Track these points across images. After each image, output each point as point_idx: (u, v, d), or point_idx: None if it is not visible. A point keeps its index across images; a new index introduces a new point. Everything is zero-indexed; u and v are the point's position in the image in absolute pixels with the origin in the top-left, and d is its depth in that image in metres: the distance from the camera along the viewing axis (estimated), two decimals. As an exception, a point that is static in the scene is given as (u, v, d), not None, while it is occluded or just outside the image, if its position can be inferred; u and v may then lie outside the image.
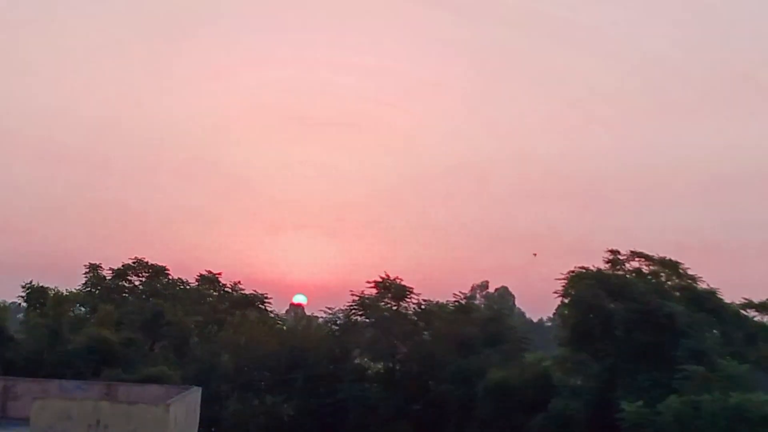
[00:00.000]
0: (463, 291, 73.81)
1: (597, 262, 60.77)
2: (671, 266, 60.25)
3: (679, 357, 50.72)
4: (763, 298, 58.51)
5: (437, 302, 68.23)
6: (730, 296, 60.28)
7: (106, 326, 60.03)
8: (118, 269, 70.22)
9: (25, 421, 33.58)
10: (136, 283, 71.05)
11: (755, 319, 58.48)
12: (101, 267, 70.43)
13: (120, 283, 70.61)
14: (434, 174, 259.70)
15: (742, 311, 58.77)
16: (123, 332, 60.70)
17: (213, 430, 57.67)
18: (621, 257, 60.62)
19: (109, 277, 70.34)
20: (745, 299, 59.12)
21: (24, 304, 67.76)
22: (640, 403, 44.47)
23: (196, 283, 73.01)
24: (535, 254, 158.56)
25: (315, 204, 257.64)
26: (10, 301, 77.48)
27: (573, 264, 61.05)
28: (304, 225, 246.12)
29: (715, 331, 56.25)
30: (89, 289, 69.85)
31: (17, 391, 42.97)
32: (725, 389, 42.15)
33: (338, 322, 68.50)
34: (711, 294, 59.21)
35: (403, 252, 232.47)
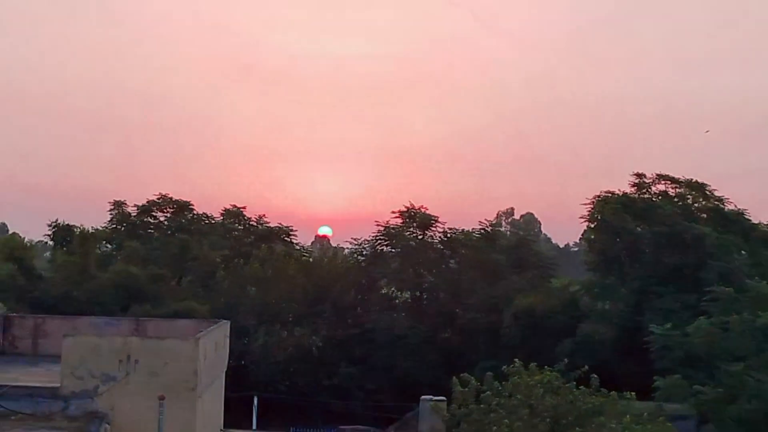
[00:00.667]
0: (488, 218, 73.58)
1: (623, 186, 60.49)
2: (698, 188, 59.88)
3: (707, 279, 50.51)
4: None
5: (462, 230, 68.07)
6: (758, 217, 59.98)
7: (133, 262, 60.18)
8: (143, 205, 70.21)
9: (55, 358, 33.63)
10: (161, 218, 71.09)
11: (783, 239, 58.12)
12: (126, 204, 70.51)
13: (145, 220, 70.64)
14: (458, 102, 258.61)
15: (770, 231, 58.43)
16: (150, 268, 60.83)
17: (242, 362, 57.94)
18: (647, 180, 60.25)
19: (134, 214, 70.38)
20: (773, 219, 58.77)
21: (50, 243, 68.04)
22: (669, 325, 44.28)
23: (221, 218, 72.99)
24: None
25: (338, 136, 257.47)
26: (36, 240, 77.85)
27: (599, 189, 60.88)
28: (328, 157, 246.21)
29: (743, 251, 55.95)
30: (115, 226, 69.94)
31: (47, 328, 43.00)
32: (754, 309, 41.86)
33: (364, 252, 68.54)
34: (739, 215, 58.86)
35: (428, 181, 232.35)
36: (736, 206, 59.54)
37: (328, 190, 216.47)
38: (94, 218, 74.68)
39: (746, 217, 58.93)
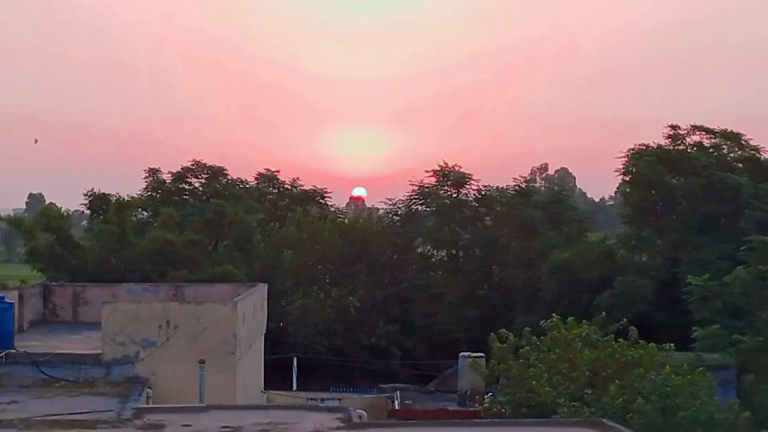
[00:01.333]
0: (522, 175, 73.24)
1: (657, 138, 60.12)
2: (733, 138, 59.33)
3: (744, 228, 50.31)
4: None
5: (497, 187, 67.87)
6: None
7: (169, 229, 60.30)
8: (177, 172, 70.28)
9: (96, 324, 33.99)
10: (196, 185, 71.21)
11: (820, 186, 57.56)
12: (161, 171, 70.66)
13: (180, 186, 70.75)
14: (488, 62, 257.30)
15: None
16: (186, 234, 60.96)
17: (281, 324, 58.21)
18: (681, 132, 59.77)
19: (169, 181, 70.52)
20: (810, 166, 58.22)
21: (87, 212, 68.30)
22: (707, 276, 44.18)
23: (255, 182, 73.07)
24: None
25: (372, 97, 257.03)
26: (73, 209, 78.19)
27: (633, 142, 60.47)
28: (361, 119, 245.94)
29: (780, 199, 55.52)
30: (150, 193, 70.12)
31: (87, 296, 43.42)
32: (792, 257, 41.78)
33: (399, 212, 68.48)
34: (776, 163, 58.39)
35: (461, 140, 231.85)
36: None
37: (361, 151, 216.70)
38: (130, 187, 74.87)
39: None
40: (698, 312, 43.84)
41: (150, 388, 31.84)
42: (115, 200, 62.08)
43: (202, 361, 31.75)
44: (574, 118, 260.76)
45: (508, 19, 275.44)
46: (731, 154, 59.64)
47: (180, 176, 70.22)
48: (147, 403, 29.33)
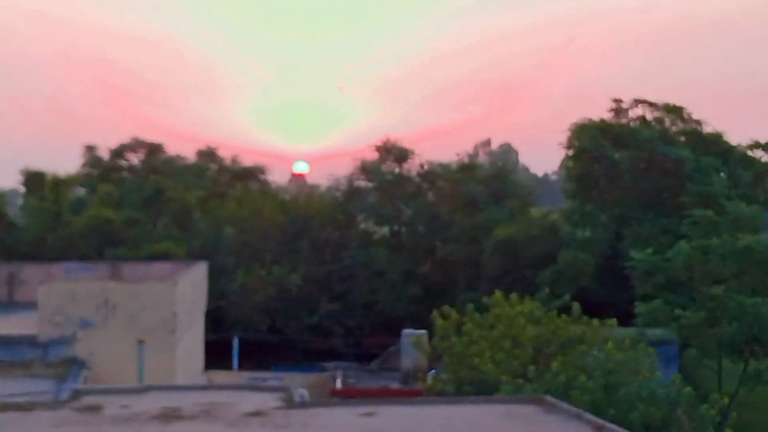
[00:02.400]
0: (465, 150, 73.24)
1: (600, 112, 60.21)
2: (675, 111, 59.62)
3: (686, 202, 50.46)
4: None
5: (440, 163, 67.77)
6: (736, 138, 59.83)
7: (107, 206, 59.64)
8: (115, 149, 69.53)
9: (32, 305, 33.34)
10: (134, 161, 70.48)
11: (762, 159, 57.99)
12: (98, 147, 69.86)
13: (118, 163, 70.02)
14: (430, 35, 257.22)
15: (749, 152, 58.27)
16: (124, 211, 60.34)
17: (222, 303, 57.71)
18: (624, 106, 59.90)
19: (107, 158, 69.73)
20: (752, 140, 58.57)
21: (22, 190, 67.36)
22: (650, 250, 44.14)
23: (195, 158, 72.48)
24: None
25: (313, 69, 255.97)
26: (8, 188, 77.11)
27: (576, 116, 60.58)
28: (303, 94, 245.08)
29: (722, 174, 55.87)
30: (87, 170, 69.33)
31: (23, 276, 42.74)
32: (733, 231, 41.79)
33: (341, 188, 68.12)
34: (717, 137, 58.70)
35: (404, 114, 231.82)
36: (714, 128, 59.35)
37: (303, 127, 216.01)
38: (67, 164, 74.06)
39: (724, 138, 58.74)
40: (641, 287, 43.86)
41: (88, 369, 31.31)
42: (51, 178, 61.21)
43: (141, 342, 31.29)
44: (517, 93, 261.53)
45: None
46: (674, 128, 59.89)
47: (118, 153, 69.46)
48: (85, 384, 28.81)
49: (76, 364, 31.12)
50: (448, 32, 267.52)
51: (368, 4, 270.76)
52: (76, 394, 17.32)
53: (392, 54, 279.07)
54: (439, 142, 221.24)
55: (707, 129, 59.04)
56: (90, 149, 69.25)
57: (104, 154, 69.48)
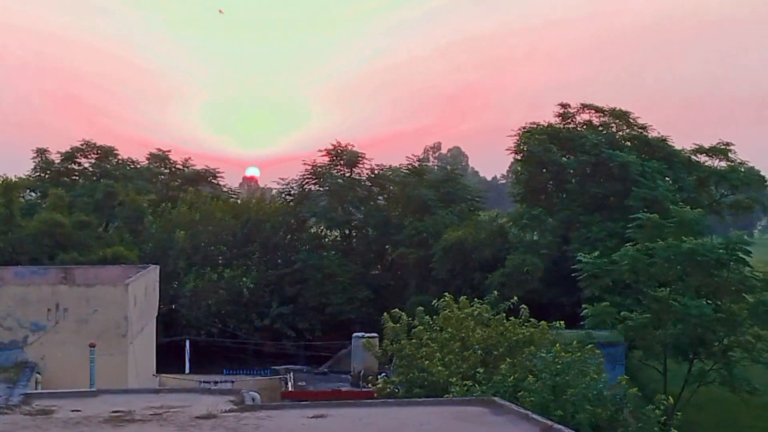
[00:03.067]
0: (415, 154, 73.66)
1: (548, 117, 60.78)
2: (621, 116, 60.24)
3: (632, 206, 51.01)
4: (714, 143, 58.80)
5: (390, 166, 68.16)
6: (680, 142, 60.60)
7: (59, 210, 59.47)
8: (67, 152, 69.41)
9: (-18, 309, 33.33)
10: (86, 165, 70.34)
11: (706, 164, 58.79)
12: (49, 151, 69.68)
13: (69, 166, 69.87)
14: (382, 41, 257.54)
15: (693, 157, 59.03)
16: (76, 215, 60.21)
17: (174, 306, 57.78)
18: (571, 110, 60.51)
19: (58, 161, 69.55)
20: (696, 144, 59.40)
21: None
22: (596, 253, 44.71)
23: (147, 162, 72.45)
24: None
25: (265, 75, 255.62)
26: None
27: (525, 120, 61.05)
28: (253, 97, 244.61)
29: (667, 178, 56.55)
30: (38, 174, 69.14)
31: (-28, 280, 42.56)
32: (678, 235, 42.41)
33: (292, 192, 68.29)
34: (662, 141, 59.35)
35: (355, 119, 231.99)
36: (659, 133, 60.07)
37: (255, 131, 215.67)
38: (17, 167, 73.90)
39: (669, 143, 59.46)
40: (588, 289, 44.36)
41: (39, 373, 31.42)
42: (2, 181, 60.94)
43: (92, 345, 31.37)
44: (468, 98, 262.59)
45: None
46: (619, 132, 60.54)
47: (69, 156, 69.34)
48: (36, 389, 28.92)
49: (27, 368, 31.21)
50: (401, 40, 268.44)
51: (321, 12, 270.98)
52: (27, 398, 17.37)
53: (346, 61, 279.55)
54: (391, 147, 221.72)
55: (652, 134, 59.77)
56: (41, 153, 69.04)
57: (55, 157, 69.31)
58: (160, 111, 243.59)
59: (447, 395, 26.90)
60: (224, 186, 74.71)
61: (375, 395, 31.41)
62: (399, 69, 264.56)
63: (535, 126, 59.49)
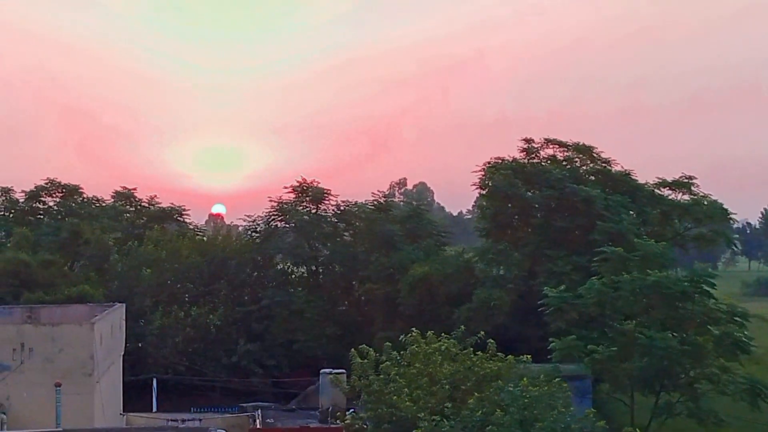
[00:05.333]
0: (381, 189, 73.80)
1: (512, 152, 61.10)
2: (585, 151, 60.65)
3: (597, 240, 51.33)
4: (677, 176, 59.23)
5: (356, 202, 68.27)
6: (643, 176, 61.03)
7: (23, 249, 59.25)
8: (31, 191, 69.16)
9: (-53, 349, 33.11)
10: (51, 204, 70.09)
11: (669, 197, 59.18)
12: (13, 190, 69.40)
13: (34, 205, 69.60)
14: (346, 75, 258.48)
15: (657, 190, 59.44)
16: (41, 254, 59.97)
17: (140, 344, 57.52)
18: (535, 145, 60.86)
19: (22, 200, 69.29)
20: (659, 178, 59.80)
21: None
22: (562, 287, 44.95)
23: (112, 200, 72.24)
24: None
25: (231, 112, 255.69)
26: None
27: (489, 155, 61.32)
28: (219, 135, 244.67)
29: (631, 212, 56.87)
30: (2, 213, 68.85)
31: (-64, 320, 42.26)
32: (643, 268, 42.71)
33: (258, 229, 68.23)
34: (625, 176, 59.78)
35: (322, 155, 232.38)
36: (622, 167, 60.49)
37: (220, 168, 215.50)
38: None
39: (632, 177, 59.89)
40: (554, 323, 44.54)
41: (4, 413, 31.24)
42: (-34, 220, 60.71)
43: (58, 384, 31.27)
44: (433, 133, 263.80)
45: (355, 34, 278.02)
46: (584, 167, 60.92)
47: (34, 195, 69.06)
48: (2, 429, 28.75)
49: (-7, 409, 30.96)
50: (357, 74, 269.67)
51: (275, 49, 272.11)
52: (-5, 438, 17.40)
53: (308, 95, 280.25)
54: (354, 178, 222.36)
55: (616, 167, 60.22)
56: (5, 191, 68.79)
57: (20, 197, 69.06)
58: (127, 149, 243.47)
59: (416, 431, 26.98)
60: (190, 223, 74.56)
61: (344, 431, 31.44)
62: (360, 105, 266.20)
63: (500, 161, 59.77)
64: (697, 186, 58.55)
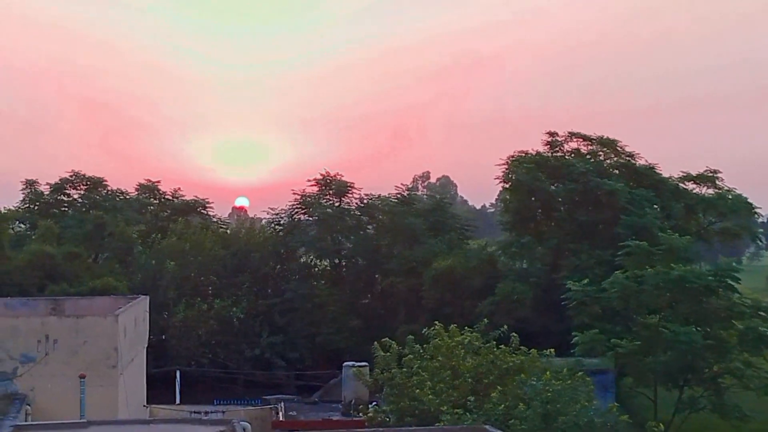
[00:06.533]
0: (404, 183, 73.77)
1: (536, 145, 60.95)
2: (609, 144, 60.41)
3: (621, 234, 51.12)
4: (701, 170, 58.95)
5: (379, 196, 68.22)
6: (668, 170, 60.79)
7: (48, 241, 59.49)
8: (56, 184, 69.41)
9: (-28, 341, 33.26)
10: (75, 196, 70.34)
11: (694, 191, 58.94)
12: (38, 183, 69.73)
13: (58, 198, 69.88)
14: (368, 71, 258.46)
15: (681, 184, 59.18)
16: (65, 246, 60.22)
17: (164, 336, 57.69)
18: (559, 138, 60.67)
19: (47, 192, 69.58)
20: (683, 172, 59.55)
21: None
22: (585, 281, 44.80)
23: (136, 193, 72.45)
24: None
25: (255, 106, 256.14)
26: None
27: (513, 149, 61.20)
28: (243, 128, 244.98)
29: (655, 206, 56.63)
30: (28, 205, 69.13)
31: (-38, 311, 42.50)
32: (667, 262, 42.54)
33: (281, 222, 68.29)
34: (649, 169, 59.51)
35: (346, 148, 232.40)
36: (646, 161, 60.27)
37: (244, 160, 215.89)
38: (7, 199, 74.18)
39: (656, 171, 59.65)
40: (577, 317, 44.45)
41: (29, 404, 31.36)
42: (-9, 213, 61.01)
43: (82, 376, 31.38)
44: (457, 127, 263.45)
45: (380, 26, 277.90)
46: (607, 161, 60.70)
47: (58, 187, 69.31)
48: (26, 420, 28.89)
49: (17, 400, 31.14)
50: (382, 67, 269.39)
51: (299, 42, 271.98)
52: (17, 430, 17.43)
53: (332, 89, 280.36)
54: (377, 171, 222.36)
55: (640, 162, 59.97)
56: (30, 184, 69.10)
57: (45, 189, 69.36)
58: (150, 140, 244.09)
59: (438, 424, 26.96)
60: (214, 216, 74.64)
61: (366, 424, 31.44)
62: (385, 98, 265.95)
63: (524, 154, 59.62)
64: (722, 180, 58.26)
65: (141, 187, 72.69)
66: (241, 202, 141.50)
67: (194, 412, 41.47)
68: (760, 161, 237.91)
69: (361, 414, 35.17)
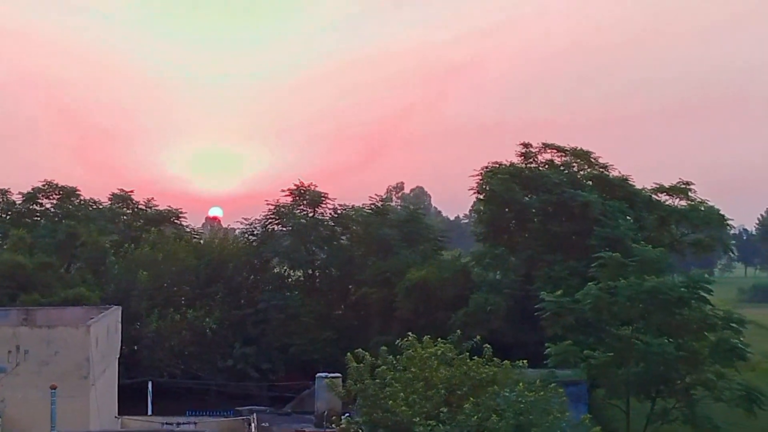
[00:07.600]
0: (378, 193, 73.73)
1: (511, 156, 61.02)
2: (583, 156, 60.57)
3: (594, 245, 51.21)
4: (674, 181, 59.21)
5: (353, 206, 68.19)
6: (641, 182, 61.03)
7: (20, 251, 59.16)
8: (28, 193, 69.00)
9: (-58, 352, 33.03)
10: (47, 206, 69.94)
11: (667, 203, 59.17)
12: (10, 192, 69.27)
13: (30, 207, 69.47)
14: (343, 80, 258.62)
15: (654, 196, 59.40)
16: (37, 256, 59.87)
17: (136, 347, 57.45)
18: (533, 150, 60.78)
19: (19, 202, 69.17)
20: (657, 184, 59.79)
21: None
22: (559, 292, 44.82)
23: (109, 203, 72.11)
24: None
25: (228, 116, 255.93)
26: None
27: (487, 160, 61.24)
28: (217, 139, 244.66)
29: (628, 217, 56.75)
30: (-1, 215, 68.78)
31: (-68, 322, 42.17)
32: (640, 273, 42.63)
33: (255, 232, 68.14)
34: (623, 181, 59.71)
35: (319, 159, 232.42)
36: (620, 172, 60.45)
37: (218, 170, 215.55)
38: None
39: (630, 182, 59.85)
40: (551, 328, 44.42)
41: (0, 415, 31.14)
42: (-38, 222, 60.63)
43: (53, 387, 31.16)
44: (431, 137, 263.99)
45: (353, 37, 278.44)
46: (581, 172, 60.84)
47: (31, 197, 68.92)
48: (-4, 432, 28.65)
49: (-12, 411, 30.89)
50: (355, 78, 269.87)
51: (273, 53, 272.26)
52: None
53: (305, 100, 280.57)
54: (351, 182, 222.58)
55: (614, 173, 60.15)
56: (2, 193, 68.68)
57: (17, 198, 68.96)
58: (125, 151, 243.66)
59: (411, 435, 26.95)
60: (187, 226, 74.41)
61: (339, 436, 31.40)
62: (360, 108, 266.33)
63: (497, 165, 59.71)
64: (695, 191, 58.66)
65: (114, 197, 72.34)
66: (215, 212, 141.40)
67: (166, 423, 41.38)
68: (732, 173, 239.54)
69: (334, 425, 35.16)
